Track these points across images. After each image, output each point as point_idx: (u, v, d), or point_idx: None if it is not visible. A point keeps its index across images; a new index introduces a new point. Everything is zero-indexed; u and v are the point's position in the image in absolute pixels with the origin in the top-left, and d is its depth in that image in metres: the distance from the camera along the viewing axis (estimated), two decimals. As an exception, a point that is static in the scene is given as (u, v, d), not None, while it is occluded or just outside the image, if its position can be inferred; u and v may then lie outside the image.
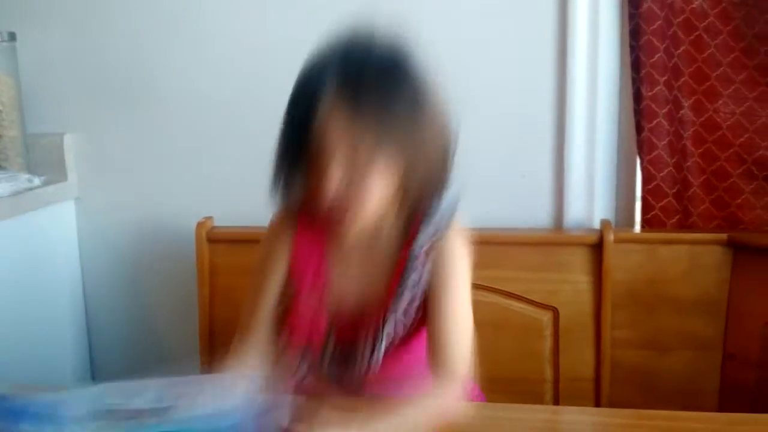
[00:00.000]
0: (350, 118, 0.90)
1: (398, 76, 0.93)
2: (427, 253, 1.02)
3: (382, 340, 1.03)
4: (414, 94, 0.93)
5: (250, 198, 1.78)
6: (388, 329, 1.03)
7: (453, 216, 1.03)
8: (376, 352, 1.03)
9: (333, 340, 1.07)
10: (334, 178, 0.91)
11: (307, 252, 1.07)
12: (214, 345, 1.67)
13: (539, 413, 1.15)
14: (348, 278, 1.07)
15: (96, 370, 1.96)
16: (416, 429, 0.95)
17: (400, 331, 1.05)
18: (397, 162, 0.93)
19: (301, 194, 0.98)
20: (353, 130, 0.90)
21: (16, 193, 1.67)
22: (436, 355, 1.01)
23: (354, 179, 0.92)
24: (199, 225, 1.68)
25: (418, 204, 1.00)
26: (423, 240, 1.02)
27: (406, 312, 1.04)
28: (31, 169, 1.80)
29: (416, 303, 1.04)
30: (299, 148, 0.93)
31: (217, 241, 1.69)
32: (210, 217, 1.70)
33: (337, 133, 0.90)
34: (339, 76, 0.90)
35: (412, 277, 1.02)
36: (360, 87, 0.90)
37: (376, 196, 0.95)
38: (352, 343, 1.06)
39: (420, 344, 1.05)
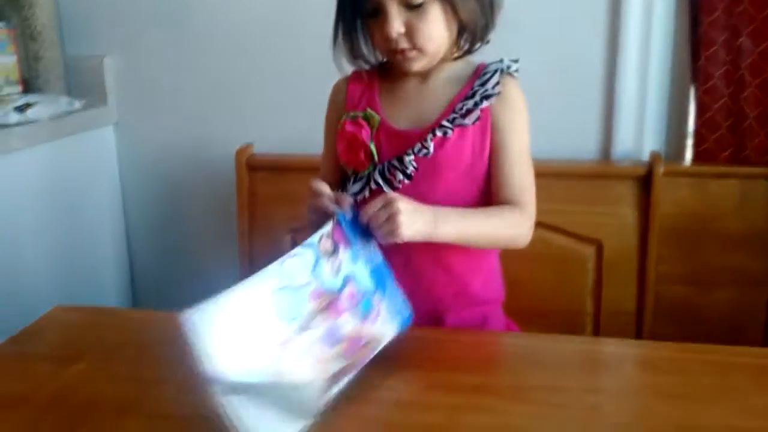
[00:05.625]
0: None
1: None
2: (486, 97, 1.06)
3: (430, 139, 1.05)
4: None
5: (290, 125, 1.77)
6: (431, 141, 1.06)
7: (509, 66, 1.09)
8: (424, 150, 1.06)
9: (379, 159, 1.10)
10: (397, 18, 1.00)
11: (358, 98, 1.13)
12: (254, 271, 1.67)
13: (581, 344, 1.13)
14: (398, 116, 1.10)
15: (137, 293, 1.99)
16: (492, 236, 1.04)
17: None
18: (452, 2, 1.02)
19: (362, 44, 1.09)
20: None
21: (56, 117, 1.66)
22: (508, 198, 1.06)
23: (414, 20, 1.01)
24: (239, 151, 1.67)
25: (470, 43, 1.08)
26: (482, 81, 1.07)
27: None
28: (71, 92, 1.79)
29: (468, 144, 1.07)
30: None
31: (257, 168, 1.68)
32: (250, 144, 1.69)
33: None
34: None
35: (466, 113, 1.06)
36: None
37: (436, 33, 1.03)
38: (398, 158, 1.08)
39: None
